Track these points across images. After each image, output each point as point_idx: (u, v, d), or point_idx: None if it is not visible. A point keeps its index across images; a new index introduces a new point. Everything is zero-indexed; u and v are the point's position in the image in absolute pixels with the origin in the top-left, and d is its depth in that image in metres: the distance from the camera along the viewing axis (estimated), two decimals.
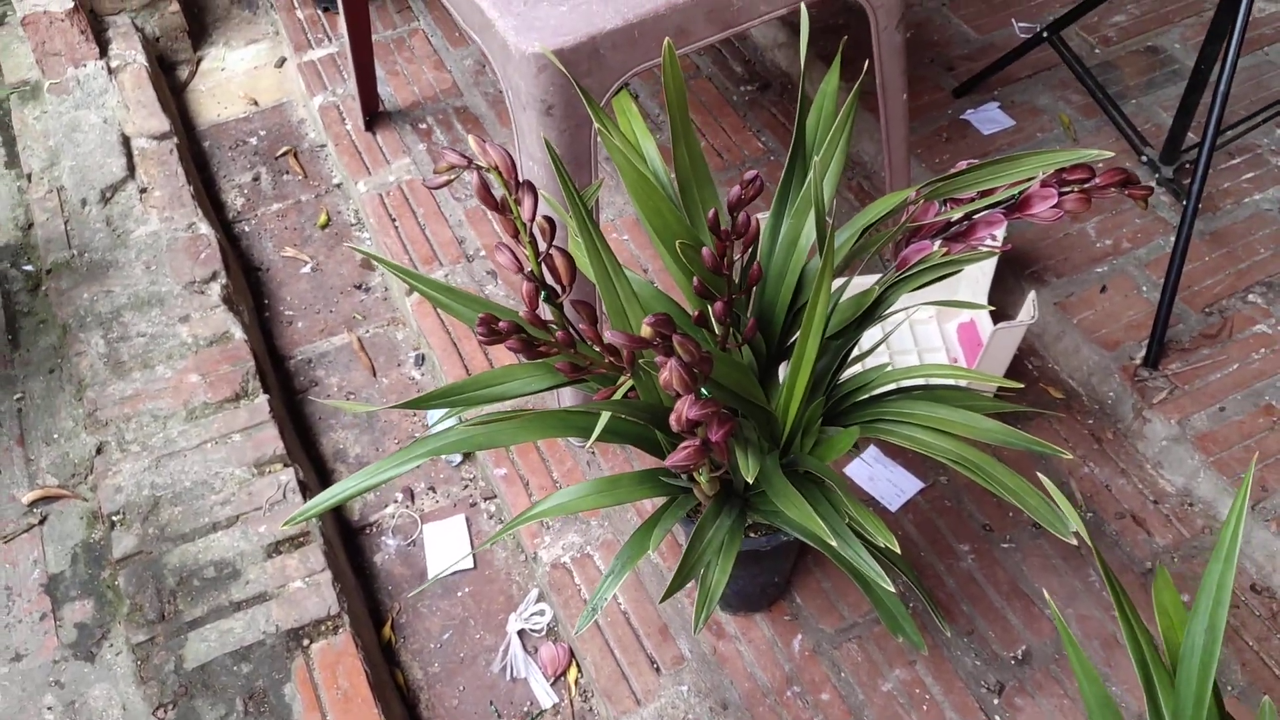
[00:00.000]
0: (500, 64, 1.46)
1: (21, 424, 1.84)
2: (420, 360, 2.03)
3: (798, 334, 1.33)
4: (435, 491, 1.84)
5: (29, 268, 2.09)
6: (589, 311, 1.22)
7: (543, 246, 1.16)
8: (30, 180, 2.21)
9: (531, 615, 1.67)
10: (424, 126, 2.31)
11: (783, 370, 1.36)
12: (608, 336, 0.99)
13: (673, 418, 1.01)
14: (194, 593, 1.60)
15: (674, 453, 1.04)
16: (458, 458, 1.87)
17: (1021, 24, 2.32)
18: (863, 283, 1.72)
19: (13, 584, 1.65)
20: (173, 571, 1.63)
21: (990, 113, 2.15)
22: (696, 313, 1.20)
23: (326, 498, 1.21)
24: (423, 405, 1.18)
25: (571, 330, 1.12)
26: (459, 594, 1.72)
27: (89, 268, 2.04)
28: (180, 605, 1.59)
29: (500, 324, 1.05)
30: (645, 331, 0.95)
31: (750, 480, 1.06)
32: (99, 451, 1.77)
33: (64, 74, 2.38)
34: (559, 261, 1.16)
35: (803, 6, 1.39)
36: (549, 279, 1.18)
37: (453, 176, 1.15)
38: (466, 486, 1.84)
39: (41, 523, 1.72)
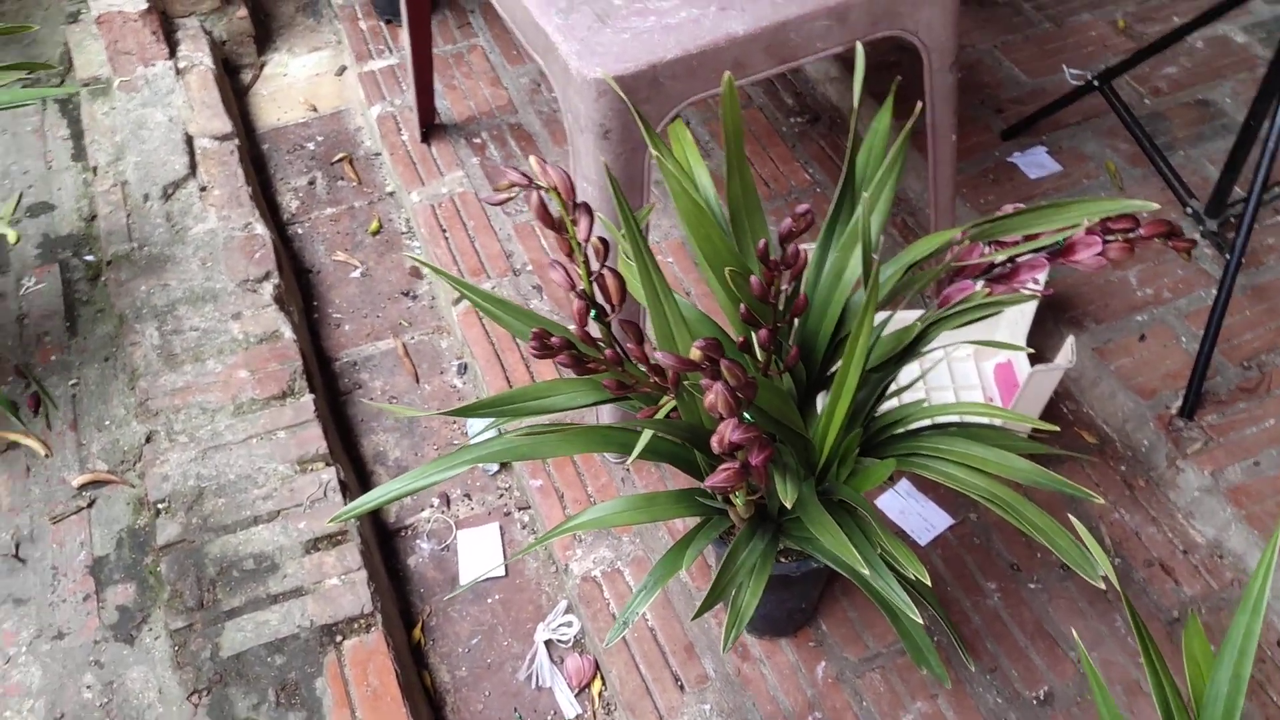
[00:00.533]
0: (561, 86, 1.50)
1: (75, 409, 1.90)
2: (463, 369, 2.07)
3: (838, 364, 1.36)
4: (471, 499, 1.88)
5: (90, 258, 2.15)
6: (635, 331, 1.25)
7: (595, 266, 1.19)
8: (96, 174, 2.27)
9: (559, 626, 1.70)
10: (478, 141, 2.35)
11: (820, 399, 1.39)
12: (657, 357, 1.02)
13: (715, 440, 1.04)
14: (233, 583, 1.64)
15: (714, 474, 1.07)
16: (494, 466, 1.91)
17: (1072, 70, 2.34)
18: (905, 318, 1.75)
19: (59, 564, 1.70)
20: (213, 561, 1.67)
21: (1037, 157, 2.17)
22: (741, 338, 1.23)
23: (373, 498, 1.24)
24: (471, 413, 1.21)
25: (619, 349, 1.15)
26: (489, 600, 1.75)
27: (147, 261, 2.09)
28: (219, 594, 1.63)
29: (552, 339, 1.09)
30: (694, 354, 0.98)
31: (789, 505, 1.08)
32: (148, 440, 1.82)
33: (134, 72, 2.45)
34: (610, 281, 1.20)
35: (859, 45, 1.42)
36: (599, 298, 1.21)
37: (513, 195, 1.19)
38: (501, 495, 1.88)
39: (90, 506, 1.77)
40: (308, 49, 2.75)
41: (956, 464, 1.31)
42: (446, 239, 2.17)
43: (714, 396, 0.97)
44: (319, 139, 2.52)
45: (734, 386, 0.97)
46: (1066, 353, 1.65)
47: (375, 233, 2.31)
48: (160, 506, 1.73)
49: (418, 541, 1.83)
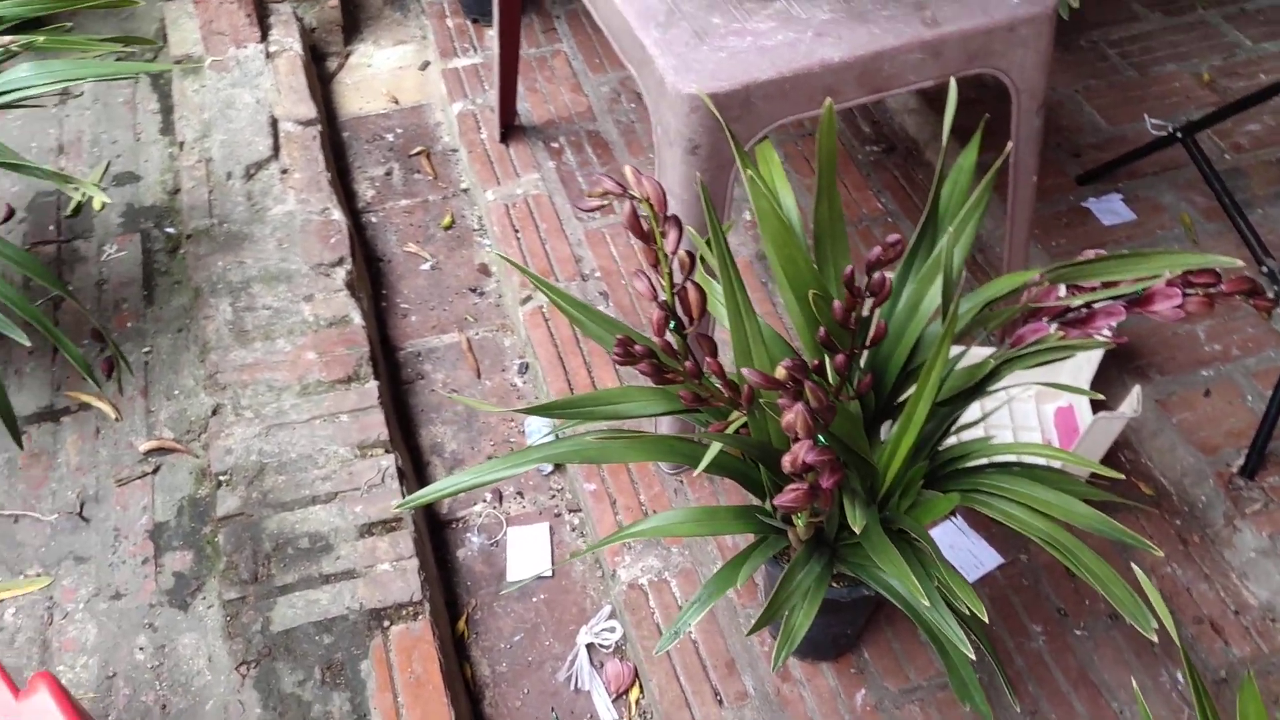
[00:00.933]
0: (654, 99, 1.52)
1: (147, 376, 1.94)
2: (524, 369, 2.09)
3: (906, 394, 1.37)
4: (523, 497, 1.90)
5: (171, 230, 2.19)
6: (710, 345, 1.26)
7: (679, 279, 1.21)
8: (182, 149, 2.33)
9: (602, 630, 1.71)
10: (555, 145, 2.38)
11: (885, 429, 1.40)
12: (744, 373, 1.04)
13: (788, 459, 1.05)
14: (287, 560, 1.68)
15: (782, 493, 1.08)
16: (548, 467, 1.93)
17: (1154, 120, 2.33)
18: (976, 355, 1.75)
19: (121, 526, 1.74)
20: (270, 537, 1.70)
21: (1112, 204, 2.16)
22: (816, 361, 1.24)
23: (440, 488, 1.27)
24: (546, 413, 1.23)
25: (697, 361, 1.16)
26: (534, 599, 1.77)
27: (226, 237, 2.14)
28: (273, 570, 1.66)
29: (635, 347, 1.10)
30: (779, 373, 0.99)
31: (858, 531, 1.09)
32: (214, 413, 1.86)
33: (225, 53, 2.51)
34: (692, 295, 1.21)
35: (952, 81, 1.43)
36: (678, 309, 1.23)
37: (606, 202, 1.21)
38: (554, 496, 1.90)
39: (154, 472, 1.80)
40: (393, 42, 2.79)
41: (1017, 504, 1.31)
42: (518, 239, 2.20)
43: (794, 416, 0.99)
44: (398, 131, 2.56)
45: (815, 408, 0.98)
46: (1132, 402, 1.65)
47: (448, 227, 2.35)
48: (222, 478, 1.77)
49: (468, 535, 1.86)
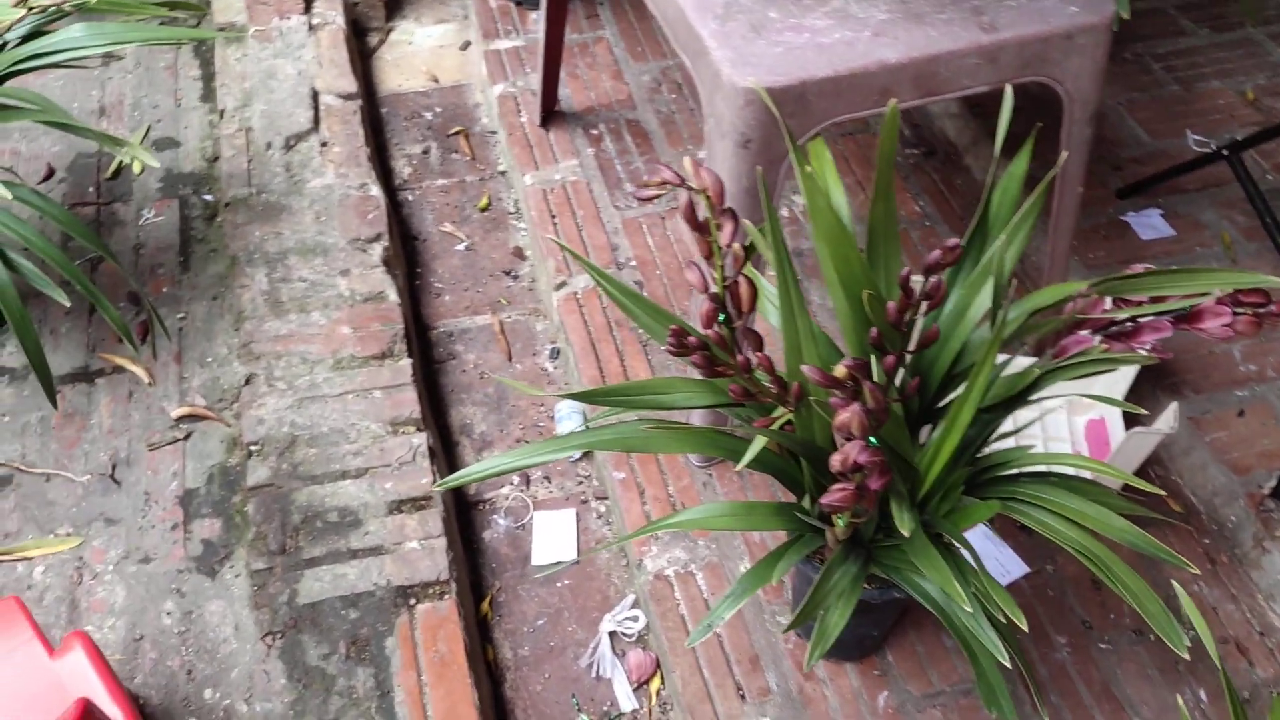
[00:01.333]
0: (708, 91, 1.52)
1: (181, 343, 1.94)
2: (555, 354, 2.09)
3: (949, 398, 1.37)
4: (550, 482, 1.90)
5: (209, 198, 2.20)
6: (757, 339, 1.26)
7: (731, 272, 1.21)
8: (222, 117, 2.33)
9: (625, 619, 1.72)
10: (595, 133, 2.38)
11: (924, 432, 1.40)
12: (805, 371, 1.04)
13: (837, 459, 1.05)
14: (315, 533, 1.68)
15: (829, 492, 1.08)
16: (577, 453, 1.93)
17: (1196, 136, 2.32)
18: (1017, 364, 1.74)
19: (151, 490, 1.74)
20: (299, 509, 1.70)
21: (1151, 219, 2.15)
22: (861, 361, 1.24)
23: (479, 470, 1.27)
24: (591, 399, 1.23)
25: (747, 355, 1.16)
26: (558, 584, 1.77)
27: (264, 208, 2.14)
28: (301, 542, 1.67)
29: (689, 339, 1.10)
30: (839, 372, 0.99)
31: (906, 534, 1.09)
32: (247, 382, 1.87)
33: (269, 23, 2.51)
34: (744, 288, 1.21)
35: (1007, 88, 1.43)
36: (727, 302, 1.23)
37: (663, 192, 1.21)
38: (581, 483, 1.90)
39: (186, 439, 1.81)
40: (434, 20, 2.79)
41: (1053, 513, 1.31)
42: (555, 224, 2.20)
43: (849, 416, 0.99)
44: (437, 110, 2.56)
45: (872, 409, 0.98)
46: (1169, 418, 1.64)
47: (484, 209, 2.35)
48: (253, 448, 1.77)
49: (494, 517, 1.86)
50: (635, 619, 1.72)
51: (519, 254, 2.27)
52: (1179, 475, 1.83)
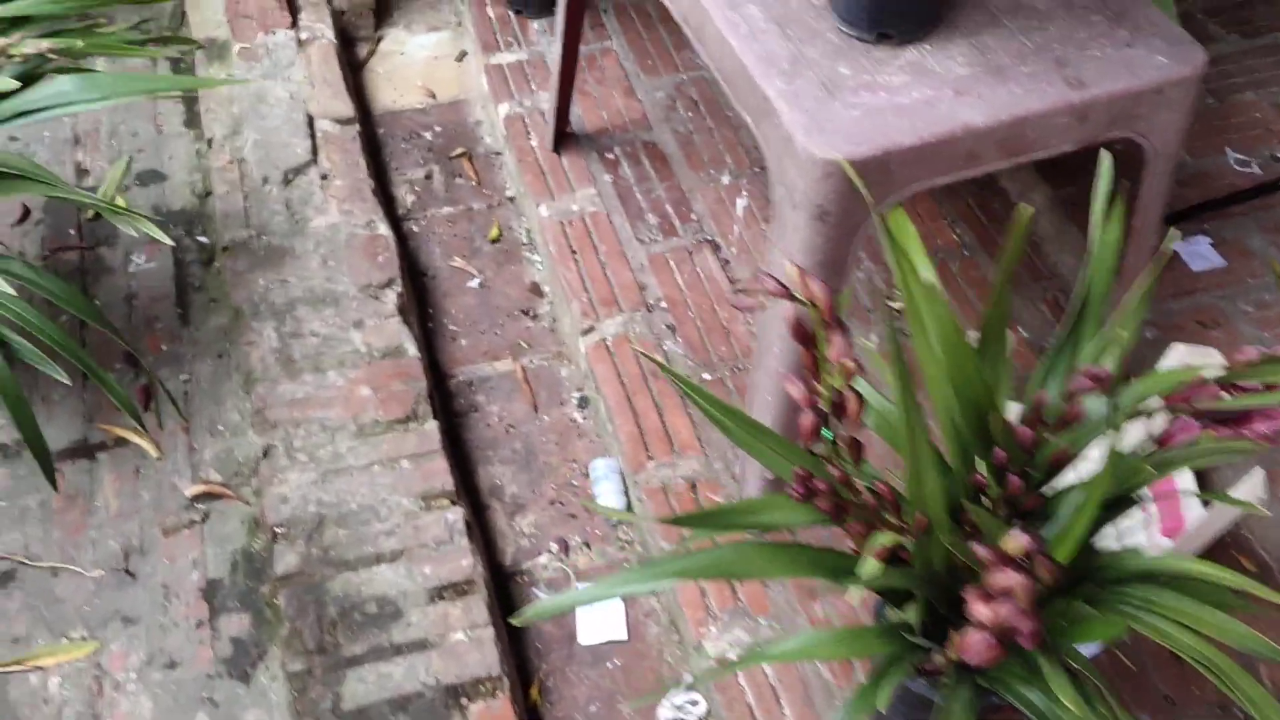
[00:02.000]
0: (776, 156, 1.40)
1: (188, 408, 1.81)
2: (583, 403, 1.98)
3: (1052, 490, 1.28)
4: (590, 548, 1.80)
5: (204, 239, 2.04)
6: (858, 449, 1.17)
7: (840, 386, 1.11)
8: (210, 146, 2.17)
9: (684, 703, 1.63)
10: (610, 157, 2.25)
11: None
12: (977, 549, 0.94)
13: (987, 614, 0.96)
14: (354, 627, 1.57)
15: (970, 644, 0.99)
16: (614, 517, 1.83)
17: (1236, 155, 2.24)
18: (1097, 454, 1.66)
19: (170, 582, 1.62)
20: (334, 600, 1.59)
21: (1200, 247, 2.08)
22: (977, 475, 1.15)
23: (556, 606, 1.17)
24: (690, 524, 1.13)
25: (871, 492, 1.07)
26: (608, 665, 1.68)
27: (266, 251, 1.99)
28: (340, 639, 1.56)
29: (816, 482, 1.00)
30: (1014, 548, 0.89)
31: (1060, 695, 1.01)
32: (265, 454, 1.74)
33: (254, 39, 2.34)
34: (851, 404, 1.11)
35: (1105, 153, 1.33)
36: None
37: (764, 305, 1.10)
38: (623, 548, 1.80)
39: (203, 520, 1.68)
40: (426, 27, 2.63)
41: (1169, 620, 1.24)
42: (576, 261, 2.07)
43: (1012, 584, 0.89)
44: (437, 129, 2.41)
45: (1044, 585, 0.89)
46: (1256, 487, 1.57)
47: (495, 240, 2.21)
48: (278, 531, 1.65)
49: (534, 589, 1.76)
50: (695, 703, 1.63)
51: (536, 290, 2.14)
52: (1250, 531, 1.77)
